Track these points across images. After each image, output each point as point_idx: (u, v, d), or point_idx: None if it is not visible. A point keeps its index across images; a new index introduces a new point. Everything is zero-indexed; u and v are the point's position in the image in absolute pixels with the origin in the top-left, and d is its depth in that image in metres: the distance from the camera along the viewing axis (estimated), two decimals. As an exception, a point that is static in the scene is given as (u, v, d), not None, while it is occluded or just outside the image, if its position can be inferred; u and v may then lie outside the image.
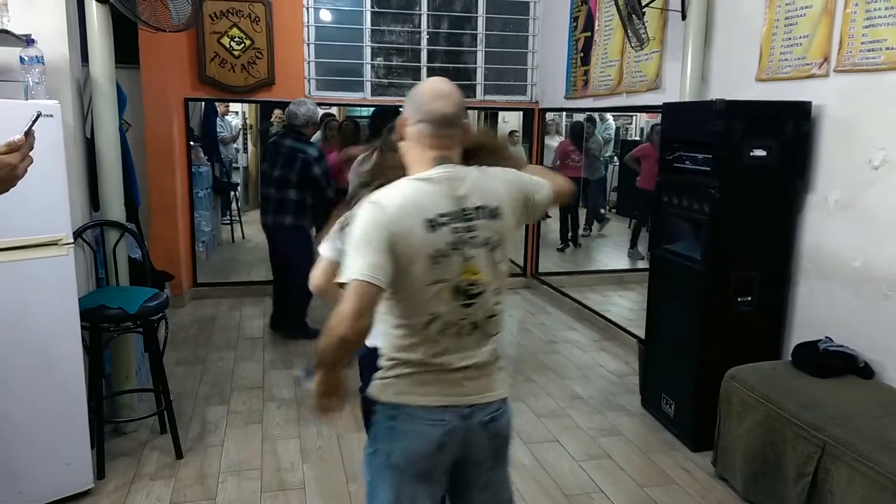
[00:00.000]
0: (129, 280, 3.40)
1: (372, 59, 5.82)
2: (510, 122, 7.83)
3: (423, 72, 5.93)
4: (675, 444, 3.30)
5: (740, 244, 3.10)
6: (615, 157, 8.29)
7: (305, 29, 5.61)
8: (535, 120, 6.24)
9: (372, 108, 6.16)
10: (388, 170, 1.67)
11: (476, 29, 6.01)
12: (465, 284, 1.51)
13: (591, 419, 3.57)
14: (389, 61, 5.93)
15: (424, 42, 5.91)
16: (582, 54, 5.22)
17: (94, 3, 3.12)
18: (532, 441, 3.31)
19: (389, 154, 1.73)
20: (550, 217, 1.96)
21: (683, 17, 3.75)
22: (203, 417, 3.53)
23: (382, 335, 1.59)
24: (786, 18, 3.19)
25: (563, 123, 7.74)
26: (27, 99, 2.62)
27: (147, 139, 5.18)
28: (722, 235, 3.07)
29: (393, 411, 1.57)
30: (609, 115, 6.24)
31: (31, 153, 1.42)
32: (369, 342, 1.52)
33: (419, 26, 5.88)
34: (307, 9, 5.59)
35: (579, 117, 7.12)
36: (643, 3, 3.71)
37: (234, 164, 8.68)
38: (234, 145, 8.63)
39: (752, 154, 3.01)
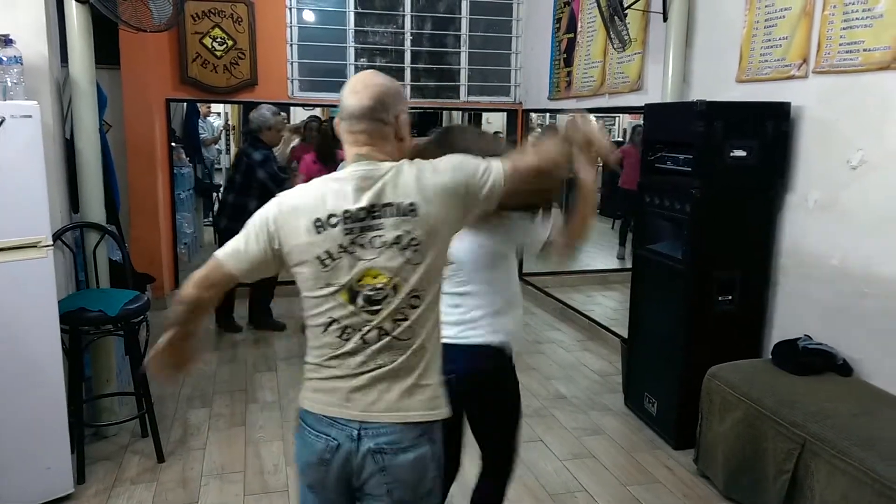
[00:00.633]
0: (109, 282, 3.37)
1: (355, 60, 5.81)
2: (494, 123, 7.85)
3: (407, 72, 5.93)
4: (658, 442, 3.32)
5: (721, 244, 3.13)
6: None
7: (288, 29, 5.58)
8: (518, 121, 6.25)
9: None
10: None
11: (459, 30, 6.02)
12: (366, 289, 1.40)
13: (574, 419, 3.58)
14: (373, 62, 5.91)
15: (408, 43, 5.91)
16: (565, 55, 5.24)
17: (74, 2, 3.09)
18: (516, 441, 3.32)
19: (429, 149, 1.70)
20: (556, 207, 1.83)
21: (665, 19, 3.78)
22: (185, 420, 3.50)
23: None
24: (765, 20, 3.22)
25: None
26: (5, 99, 2.59)
27: (128, 140, 5.13)
28: (703, 235, 3.10)
29: (299, 414, 1.54)
30: (592, 117, 6.27)
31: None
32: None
33: (403, 27, 5.88)
34: (290, 9, 5.57)
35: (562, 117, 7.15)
36: (625, 5, 3.74)
37: (216, 166, 8.62)
38: (217, 146, 8.57)
39: (732, 154, 3.04)
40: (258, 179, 4.53)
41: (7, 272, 2.47)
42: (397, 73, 5.91)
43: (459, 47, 6.04)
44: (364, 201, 1.40)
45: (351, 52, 5.78)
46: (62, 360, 2.68)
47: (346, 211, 1.40)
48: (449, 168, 1.46)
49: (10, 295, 2.49)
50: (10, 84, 2.62)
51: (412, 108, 6.15)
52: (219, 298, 1.57)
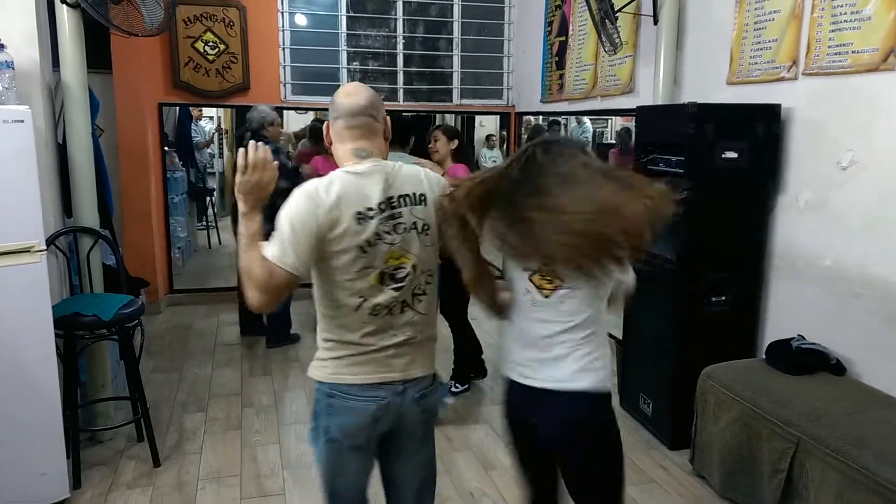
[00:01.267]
0: (103, 287, 3.36)
1: (348, 64, 5.82)
2: (487, 125, 7.87)
3: (400, 76, 5.94)
4: (654, 442, 3.34)
5: (714, 245, 3.15)
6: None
7: (280, 33, 5.59)
8: (511, 124, 6.27)
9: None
10: None
11: (452, 33, 6.04)
12: (391, 269, 1.62)
13: (570, 420, 3.58)
14: (365, 65, 5.93)
15: (400, 46, 5.92)
16: (557, 58, 5.26)
17: (65, 7, 3.08)
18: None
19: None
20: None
21: (655, 22, 3.80)
22: (181, 425, 3.49)
23: (319, 317, 1.70)
24: (755, 23, 3.25)
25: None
26: (-3, 104, 2.58)
27: (120, 144, 5.12)
28: (695, 236, 3.11)
29: (331, 390, 1.67)
30: (586, 119, 6.30)
31: None
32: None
33: (395, 31, 5.90)
34: (282, 13, 5.58)
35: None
36: (616, 8, 3.76)
37: (209, 170, 8.60)
38: (209, 150, 8.56)
39: (723, 156, 3.06)
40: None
41: (0, 277, 2.46)
42: (390, 77, 5.93)
43: (452, 50, 6.06)
44: (388, 192, 1.61)
45: (343, 56, 5.79)
46: (57, 365, 2.67)
47: (379, 203, 1.59)
48: (436, 183, 1.72)
49: (3, 300, 2.48)
50: (1, 89, 2.62)
51: (405, 111, 6.17)
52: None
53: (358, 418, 1.66)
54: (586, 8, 3.84)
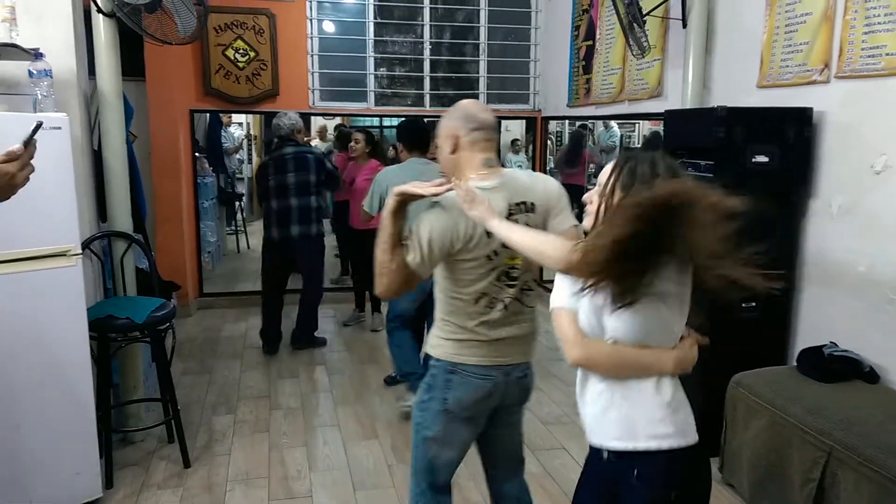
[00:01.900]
0: (136, 290, 3.42)
1: (375, 70, 5.87)
2: (513, 130, 7.87)
3: (426, 81, 5.97)
4: (682, 450, 3.29)
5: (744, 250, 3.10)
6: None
7: (309, 40, 5.66)
8: (537, 128, 6.26)
9: (373, 118, 6.19)
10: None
11: (478, 39, 6.05)
12: (507, 268, 1.86)
13: (596, 426, 3.56)
14: (392, 71, 5.97)
15: (427, 52, 5.95)
16: (584, 63, 5.25)
17: (101, 17, 3.16)
18: (538, 448, 3.31)
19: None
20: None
21: (684, 25, 3.77)
22: (210, 426, 3.54)
23: (439, 300, 1.94)
24: (786, 25, 3.21)
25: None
26: (36, 112, 2.65)
27: (153, 150, 5.22)
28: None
29: (451, 367, 1.91)
30: (614, 123, 6.27)
31: (32, 162, 1.43)
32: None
33: (422, 37, 5.93)
34: (311, 20, 5.64)
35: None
36: (644, 12, 3.74)
37: (238, 175, 8.72)
38: (238, 156, 8.68)
39: (754, 160, 3.02)
40: (328, 169, 4.65)
41: (38, 280, 2.53)
42: (416, 82, 5.97)
43: (478, 56, 6.07)
44: (510, 201, 1.85)
45: (371, 62, 5.83)
46: (91, 366, 2.73)
47: (505, 213, 1.82)
48: (555, 195, 1.96)
49: (40, 302, 2.55)
50: (40, 97, 2.68)
51: (431, 117, 6.22)
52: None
53: (474, 394, 1.91)
54: (614, 12, 3.82)
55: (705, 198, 1.38)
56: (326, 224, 5.19)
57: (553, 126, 6.41)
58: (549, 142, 6.47)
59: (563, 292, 1.56)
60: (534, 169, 6.43)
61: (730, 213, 1.42)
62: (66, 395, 2.64)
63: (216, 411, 3.74)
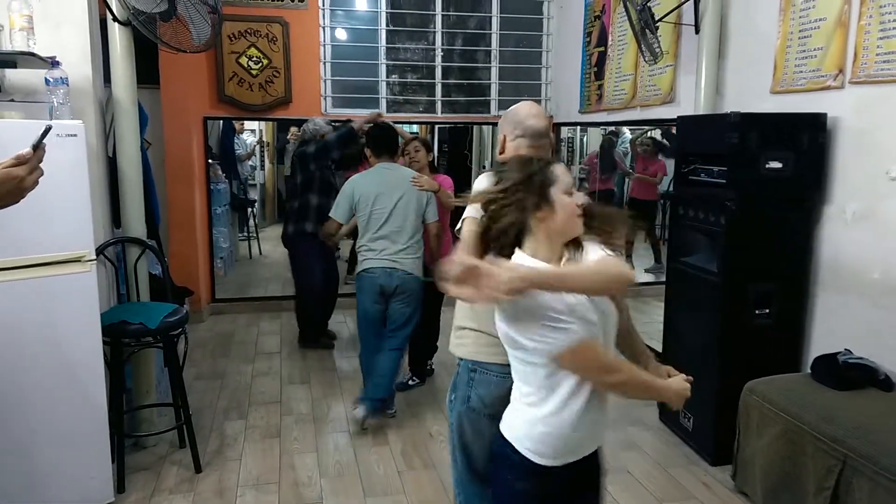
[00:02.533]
0: (149, 296, 3.44)
1: (387, 77, 5.89)
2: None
3: (438, 88, 5.98)
4: (694, 458, 3.27)
5: (757, 256, 3.09)
6: (633, 171, 8.28)
7: (322, 48, 5.69)
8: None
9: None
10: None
11: (490, 45, 6.06)
12: None
13: (609, 434, 3.52)
14: (404, 78, 5.99)
15: (439, 59, 5.97)
16: (596, 69, 5.24)
17: (117, 25, 3.19)
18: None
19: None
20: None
21: (697, 31, 3.76)
22: (222, 432, 3.55)
23: (460, 306, 2.00)
24: (800, 31, 3.19)
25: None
26: (52, 119, 2.68)
27: (167, 157, 5.27)
28: (738, 248, 3.06)
29: (473, 365, 1.98)
30: (626, 129, 6.25)
31: (42, 166, 1.44)
32: None
33: (433, 43, 5.95)
34: (323, 28, 5.68)
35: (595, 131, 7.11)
36: (656, 18, 3.73)
37: (250, 182, 8.77)
38: (250, 162, 8.73)
39: (767, 166, 3.00)
40: (318, 169, 4.63)
41: (52, 285, 2.55)
42: (428, 89, 5.98)
43: (490, 62, 6.08)
44: None
45: (383, 69, 5.86)
46: (104, 371, 2.75)
47: None
48: None
49: (55, 308, 2.57)
50: (56, 104, 2.72)
51: (443, 123, 6.22)
52: None
53: (496, 391, 1.92)
54: (626, 18, 3.82)
55: None
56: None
57: (564, 132, 6.40)
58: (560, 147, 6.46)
59: None
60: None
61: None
62: (80, 400, 2.66)
63: (228, 416, 3.75)
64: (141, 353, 3.26)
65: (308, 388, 4.20)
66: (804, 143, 3.01)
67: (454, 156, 7.03)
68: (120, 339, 2.95)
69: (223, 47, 5.39)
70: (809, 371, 2.90)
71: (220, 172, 6.81)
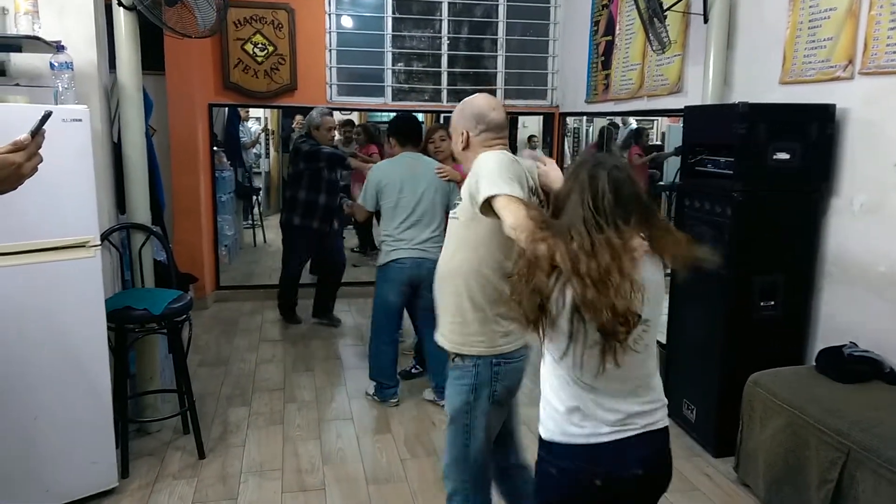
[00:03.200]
0: (153, 282, 3.45)
1: (393, 65, 5.86)
2: (530, 126, 7.83)
3: (444, 77, 5.96)
4: (697, 449, 3.27)
5: (763, 248, 3.07)
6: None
7: (327, 35, 5.66)
8: (555, 124, 6.23)
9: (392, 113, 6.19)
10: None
11: (496, 34, 6.03)
12: None
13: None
14: (410, 66, 5.96)
15: (445, 47, 5.94)
16: (603, 58, 5.21)
17: (122, 10, 3.18)
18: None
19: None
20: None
21: (706, 21, 3.73)
22: (225, 418, 3.56)
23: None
24: (809, 21, 3.16)
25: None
26: (57, 104, 2.68)
27: (172, 144, 5.26)
28: (744, 239, 3.05)
29: (496, 359, 2.01)
30: (632, 120, 6.22)
31: (40, 153, 1.43)
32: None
33: (440, 32, 5.91)
34: (329, 15, 5.65)
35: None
36: (665, 7, 3.70)
37: (255, 169, 8.77)
38: (255, 150, 8.73)
39: (775, 157, 2.98)
40: (308, 168, 4.81)
41: (57, 271, 2.55)
42: (434, 77, 5.96)
43: (496, 51, 6.05)
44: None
45: (389, 57, 5.83)
46: (108, 357, 2.75)
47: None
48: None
49: (59, 293, 2.57)
50: (61, 89, 2.70)
51: (448, 112, 6.20)
52: None
53: (518, 375, 2.08)
54: (634, 7, 3.79)
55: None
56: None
57: (570, 122, 6.37)
58: (566, 138, 6.44)
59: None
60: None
61: None
62: (84, 386, 2.66)
63: (231, 403, 3.76)
64: (145, 339, 3.27)
65: (312, 375, 4.21)
66: (812, 134, 2.99)
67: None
68: (124, 325, 2.96)
69: (228, 34, 5.37)
70: (814, 364, 2.89)
71: (224, 160, 6.81)
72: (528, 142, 7.86)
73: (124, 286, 3.45)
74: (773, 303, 3.10)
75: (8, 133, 1.41)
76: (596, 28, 5.33)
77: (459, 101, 2.14)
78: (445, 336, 2.08)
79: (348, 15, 5.82)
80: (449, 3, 5.86)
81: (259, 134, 8.88)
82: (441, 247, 2.90)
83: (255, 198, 8.24)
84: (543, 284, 1.39)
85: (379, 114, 7.38)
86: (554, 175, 1.95)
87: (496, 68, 6.07)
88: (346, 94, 5.83)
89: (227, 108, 6.85)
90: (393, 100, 5.90)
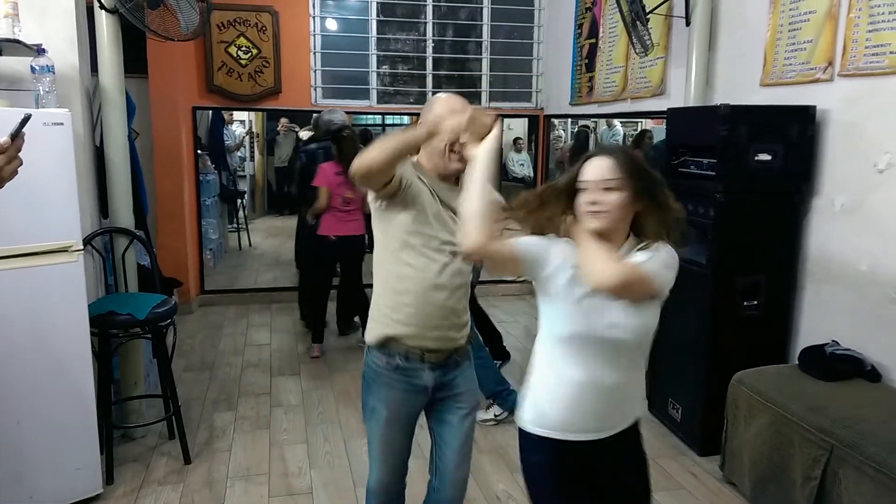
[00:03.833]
0: (137, 287, 3.43)
1: (378, 67, 5.86)
2: (515, 128, 7.84)
3: (429, 79, 5.96)
4: (683, 448, 3.29)
5: (746, 248, 3.10)
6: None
7: (312, 38, 5.66)
8: (540, 126, 6.26)
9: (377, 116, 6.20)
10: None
11: (481, 36, 6.05)
12: None
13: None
14: (395, 69, 5.96)
15: (430, 50, 5.95)
16: (587, 61, 5.24)
17: (104, 13, 3.16)
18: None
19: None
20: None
21: (688, 24, 3.76)
22: (211, 423, 3.54)
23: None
24: (790, 24, 3.20)
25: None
26: (38, 107, 2.65)
27: (155, 147, 5.23)
28: (727, 240, 3.08)
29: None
30: (617, 122, 6.26)
31: (20, 156, 1.41)
32: None
33: (425, 34, 5.92)
34: (313, 18, 5.64)
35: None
36: (647, 10, 3.73)
37: (240, 173, 8.72)
38: (240, 153, 8.68)
39: (756, 158, 3.02)
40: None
41: (39, 276, 2.53)
42: (419, 80, 5.96)
43: (481, 54, 6.06)
44: None
45: (373, 60, 5.83)
46: (91, 362, 2.73)
47: None
48: None
49: (41, 298, 2.55)
50: (42, 92, 2.68)
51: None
52: None
53: None
54: (617, 10, 3.82)
55: None
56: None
57: (556, 124, 6.39)
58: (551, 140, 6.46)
59: None
60: (535, 168, 6.42)
61: None
62: (67, 391, 2.64)
63: (217, 408, 3.74)
64: (129, 345, 3.25)
65: (298, 379, 4.19)
66: (793, 135, 3.02)
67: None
68: (108, 330, 2.93)
69: (212, 36, 5.35)
70: (797, 362, 2.92)
71: (209, 163, 6.76)
72: (513, 144, 7.87)
73: (108, 291, 3.42)
74: (756, 302, 3.13)
75: (-13, 137, 1.39)
76: (580, 31, 5.36)
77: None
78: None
79: (333, 18, 5.82)
80: (433, 5, 5.88)
81: (243, 137, 8.83)
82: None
83: (239, 201, 8.18)
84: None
85: (365, 117, 7.36)
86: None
87: (481, 71, 6.09)
88: (330, 96, 5.82)
89: (210, 111, 6.80)
90: (378, 102, 5.90)
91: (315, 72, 5.71)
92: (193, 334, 4.99)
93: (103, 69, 3.23)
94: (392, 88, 5.95)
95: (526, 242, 1.59)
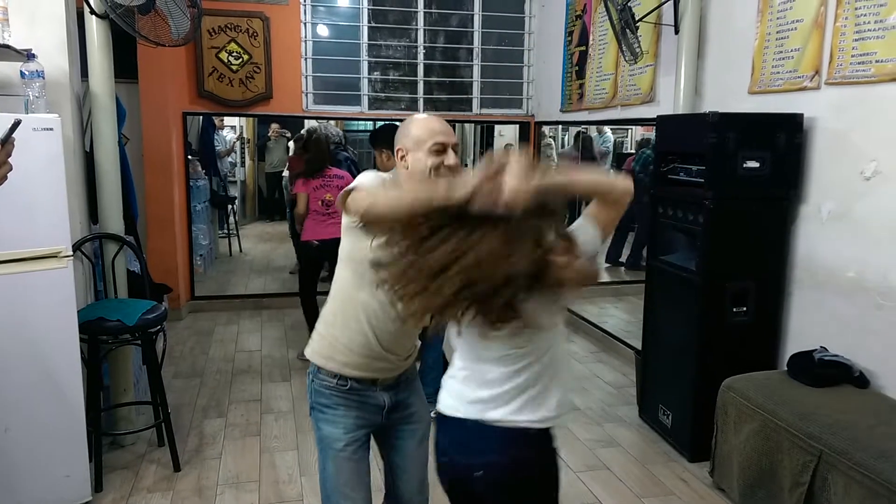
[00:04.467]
0: (127, 293, 3.41)
1: (369, 74, 5.87)
2: (506, 135, 7.88)
3: (420, 86, 5.98)
4: (673, 454, 3.31)
5: (735, 255, 3.12)
6: (612, 170, 8.37)
7: (303, 44, 5.65)
8: (531, 133, 6.28)
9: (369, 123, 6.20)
10: None
11: (472, 43, 6.06)
12: None
13: (588, 430, 3.57)
14: (386, 75, 5.97)
15: (421, 56, 5.96)
16: (577, 68, 5.27)
17: (94, 18, 3.15)
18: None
19: None
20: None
21: (676, 31, 3.79)
22: (201, 430, 3.52)
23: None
24: (777, 32, 3.23)
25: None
26: (27, 113, 2.64)
27: (146, 153, 5.21)
28: (716, 246, 3.10)
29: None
30: (607, 129, 6.30)
31: (10, 161, 1.41)
32: None
33: (416, 41, 5.94)
34: (305, 24, 5.64)
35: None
36: (637, 18, 3.76)
37: (230, 178, 8.71)
38: (230, 159, 8.67)
39: (745, 166, 3.04)
40: None
41: (28, 282, 2.51)
42: (410, 87, 5.97)
43: (472, 60, 6.08)
44: None
45: (364, 66, 5.83)
46: (81, 369, 2.71)
47: None
48: None
49: (30, 304, 2.54)
50: (32, 98, 2.67)
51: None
52: None
53: None
54: (607, 17, 3.85)
55: None
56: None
57: (546, 131, 6.42)
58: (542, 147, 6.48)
59: None
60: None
61: None
62: (56, 398, 2.62)
63: (207, 415, 3.72)
64: (119, 351, 3.22)
65: (288, 385, 4.18)
66: (781, 143, 3.05)
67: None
68: (97, 337, 2.91)
69: (203, 42, 5.34)
70: (786, 368, 2.94)
71: (199, 169, 6.76)
72: (504, 150, 7.90)
73: (97, 297, 3.40)
74: (745, 308, 3.15)
75: (-23, 143, 1.39)
76: (570, 38, 5.39)
77: (436, 109, 2.08)
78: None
79: (324, 24, 5.82)
80: (424, 12, 5.89)
81: (234, 143, 8.83)
82: None
83: (230, 207, 8.17)
84: None
85: (355, 123, 7.37)
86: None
87: (472, 77, 6.11)
88: (322, 102, 5.82)
89: (201, 117, 6.79)
90: (369, 108, 5.90)
91: (306, 78, 5.71)
92: (183, 340, 4.97)
93: (93, 74, 3.22)
94: (383, 94, 5.96)
95: None
